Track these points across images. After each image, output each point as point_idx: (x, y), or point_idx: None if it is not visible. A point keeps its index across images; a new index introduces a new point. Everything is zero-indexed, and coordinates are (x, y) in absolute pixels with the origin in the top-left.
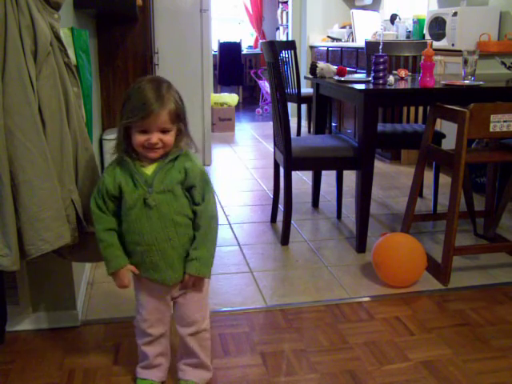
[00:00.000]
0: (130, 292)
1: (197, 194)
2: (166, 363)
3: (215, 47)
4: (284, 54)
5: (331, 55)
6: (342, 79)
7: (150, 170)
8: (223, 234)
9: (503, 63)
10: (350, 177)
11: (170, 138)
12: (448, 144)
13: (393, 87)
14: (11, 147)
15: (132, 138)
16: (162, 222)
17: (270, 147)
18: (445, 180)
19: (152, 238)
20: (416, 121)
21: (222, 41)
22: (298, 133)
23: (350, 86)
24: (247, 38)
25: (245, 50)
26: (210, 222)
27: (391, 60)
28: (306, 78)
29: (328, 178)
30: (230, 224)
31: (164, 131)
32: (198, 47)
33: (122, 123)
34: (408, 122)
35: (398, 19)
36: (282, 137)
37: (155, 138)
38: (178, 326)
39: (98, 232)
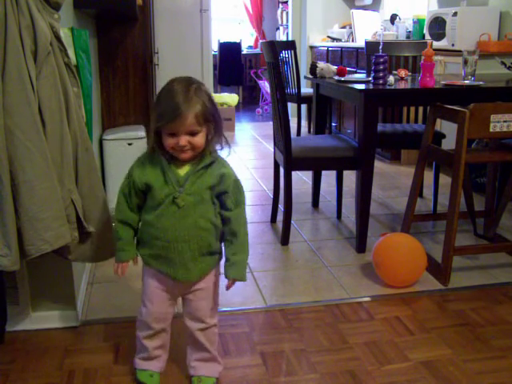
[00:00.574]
0: (130, 292)
1: (229, 201)
2: (165, 355)
3: (215, 47)
4: (284, 53)
5: (331, 55)
6: (342, 79)
7: (183, 170)
8: None
9: (503, 63)
10: (350, 177)
11: (198, 139)
12: (448, 144)
13: (393, 87)
14: (11, 147)
15: (163, 140)
16: (185, 222)
17: (270, 147)
18: (445, 180)
19: (173, 236)
20: (416, 121)
21: (222, 41)
22: (298, 133)
23: (349, 85)
24: (247, 38)
25: (245, 50)
26: (244, 227)
27: (391, 60)
28: (306, 77)
29: (328, 177)
30: None
31: (192, 133)
32: (198, 47)
33: (152, 127)
34: (408, 122)
35: (398, 19)
36: (282, 137)
37: (183, 140)
38: (187, 320)
39: (115, 221)
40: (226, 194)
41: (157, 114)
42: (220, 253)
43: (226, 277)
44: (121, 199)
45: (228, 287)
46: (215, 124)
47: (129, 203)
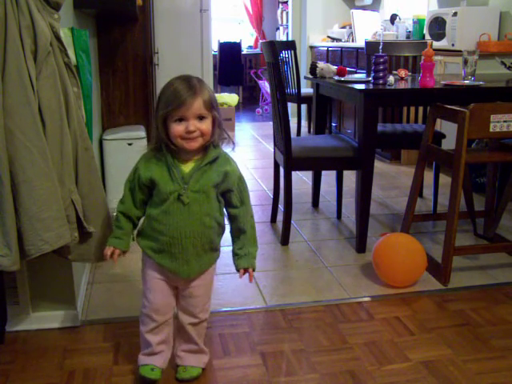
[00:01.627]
0: (130, 292)
1: (234, 198)
2: (168, 351)
3: (215, 47)
4: (284, 53)
5: (331, 55)
6: (342, 79)
7: (187, 167)
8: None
9: (503, 63)
10: (350, 177)
11: (206, 125)
12: (448, 144)
13: (393, 87)
14: (11, 147)
15: (170, 130)
16: (190, 219)
17: (270, 147)
18: (445, 180)
19: (177, 232)
20: (416, 121)
21: (222, 41)
22: (298, 133)
23: (349, 86)
24: (247, 38)
25: (245, 50)
26: (251, 222)
27: (391, 60)
28: (306, 78)
29: (328, 177)
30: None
31: (201, 118)
32: (198, 47)
33: (159, 114)
34: (408, 122)
35: (398, 19)
36: (282, 137)
37: (192, 125)
38: (179, 314)
39: (118, 210)
40: (231, 192)
41: (162, 104)
42: (219, 248)
43: (237, 268)
44: (126, 193)
45: (241, 276)
46: (218, 116)
47: (133, 198)
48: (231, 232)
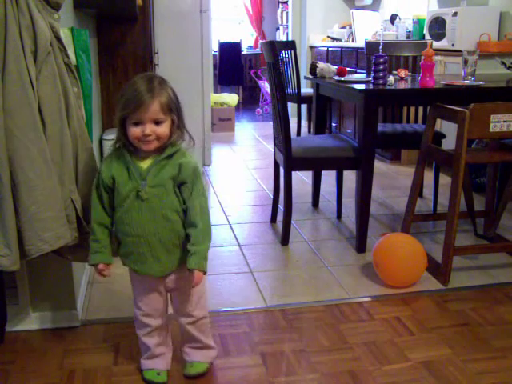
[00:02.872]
0: (130, 292)
1: (186, 190)
2: (169, 352)
3: (215, 47)
4: (284, 54)
5: (331, 55)
6: (342, 79)
7: (145, 164)
8: (223, 233)
9: (503, 63)
10: (350, 177)
11: (163, 129)
12: (448, 144)
13: (393, 87)
14: (11, 147)
15: (127, 131)
16: (151, 215)
17: (270, 147)
18: (445, 180)
19: (141, 229)
20: (416, 121)
21: (222, 41)
22: (298, 133)
23: (349, 86)
24: (247, 38)
25: (245, 50)
26: (204, 217)
27: (391, 60)
28: (306, 78)
29: (328, 177)
30: (229, 224)
31: (157, 122)
32: (198, 47)
33: (117, 116)
34: (408, 122)
35: (398, 19)
36: (282, 137)
37: (148, 129)
38: (176, 316)
39: (92, 222)
40: (185, 184)
41: (121, 105)
42: None
43: (188, 268)
44: (94, 201)
45: (192, 282)
46: (178, 117)
47: (103, 204)
48: (184, 226)
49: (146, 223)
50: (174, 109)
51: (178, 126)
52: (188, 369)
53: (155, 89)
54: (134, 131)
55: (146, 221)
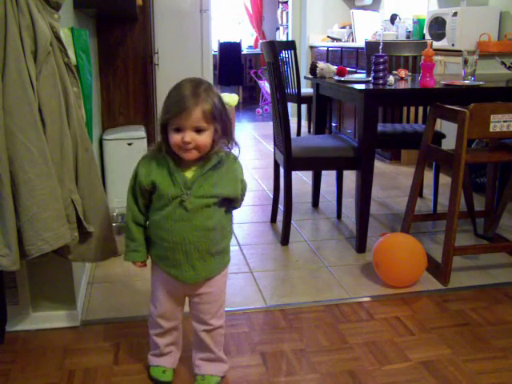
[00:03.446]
0: (130, 292)
1: (240, 199)
2: (177, 351)
3: (215, 47)
4: (284, 53)
5: (331, 55)
6: (342, 79)
7: (189, 173)
8: None
9: (503, 63)
10: (350, 177)
11: (204, 138)
12: (448, 144)
13: (393, 87)
14: (11, 147)
15: (169, 137)
16: (192, 224)
17: (270, 147)
18: (445, 180)
19: (180, 237)
20: (416, 121)
21: (222, 41)
22: (298, 133)
23: (349, 85)
24: (247, 38)
25: (245, 50)
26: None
27: (391, 60)
28: (306, 78)
29: (328, 177)
30: None
31: (198, 130)
32: (198, 47)
33: (160, 120)
34: (408, 122)
35: (398, 19)
36: (282, 137)
37: (188, 136)
38: (192, 321)
39: (128, 221)
40: (236, 200)
41: (165, 108)
42: (228, 253)
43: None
44: (130, 199)
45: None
46: (223, 126)
47: (138, 204)
48: (225, 235)
49: (185, 232)
50: (218, 117)
51: (222, 135)
52: (199, 382)
53: (200, 95)
54: (175, 138)
55: (186, 230)
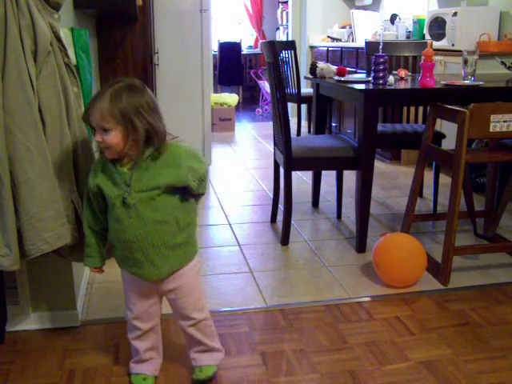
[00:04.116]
0: None
1: (194, 185)
2: (158, 358)
3: (215, 47)
4: (284, 53)
5: (331, 55)
6: (342, 79)
7: (126, 168)
8: (223, 233)
9: (503, 63)
10: (350, 177)
11: (111, 138)
12: (448, 144)
13: (393, 87)
14: (11, 147)
15: None
16: (141, 220)
17: (270, 147)
18: (445, 180)
19: (132, 236)
20: (416, 121)
21: (222, 41)
22: (298, 133)
23: (350, 85)
24: (247, 38)
25: (245, 50)
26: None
27: (391, 60)
28: (306, 78)
29: (328, 177)
30: (229, 224)
31: (104, 130)
32: (198, 47)
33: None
34: (408, 122)
35: (398, 19)
36: (282, 137)
37: (98, 136)
38: (177, 319)
39: (83, 226)
40: (189, 184)
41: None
42: (192, 244)
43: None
44: (85, 204)
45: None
46: (148, 127)
47: (92, 209)
48: (180, 227)
49: (136, 229)
50: (126, 120)
51: (148, 137)
52: (197, 374)
53: (103, 96)
54: (94, 137)
55: (136, 227)
